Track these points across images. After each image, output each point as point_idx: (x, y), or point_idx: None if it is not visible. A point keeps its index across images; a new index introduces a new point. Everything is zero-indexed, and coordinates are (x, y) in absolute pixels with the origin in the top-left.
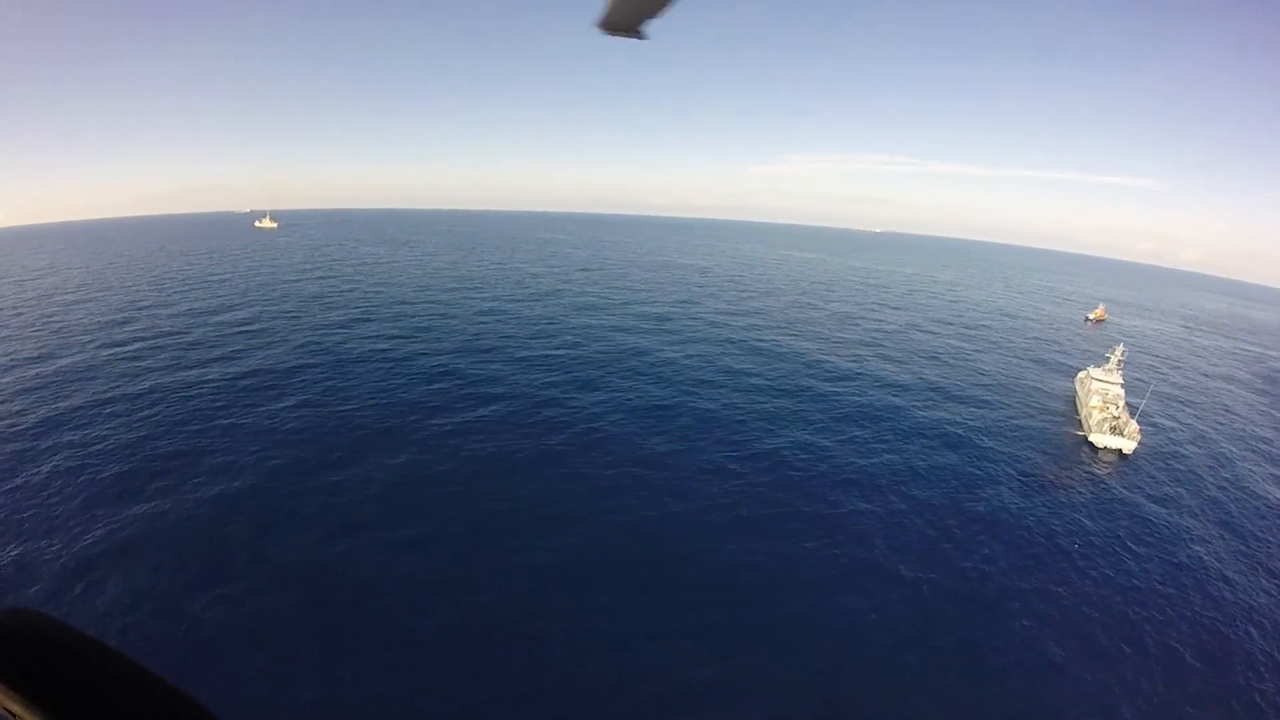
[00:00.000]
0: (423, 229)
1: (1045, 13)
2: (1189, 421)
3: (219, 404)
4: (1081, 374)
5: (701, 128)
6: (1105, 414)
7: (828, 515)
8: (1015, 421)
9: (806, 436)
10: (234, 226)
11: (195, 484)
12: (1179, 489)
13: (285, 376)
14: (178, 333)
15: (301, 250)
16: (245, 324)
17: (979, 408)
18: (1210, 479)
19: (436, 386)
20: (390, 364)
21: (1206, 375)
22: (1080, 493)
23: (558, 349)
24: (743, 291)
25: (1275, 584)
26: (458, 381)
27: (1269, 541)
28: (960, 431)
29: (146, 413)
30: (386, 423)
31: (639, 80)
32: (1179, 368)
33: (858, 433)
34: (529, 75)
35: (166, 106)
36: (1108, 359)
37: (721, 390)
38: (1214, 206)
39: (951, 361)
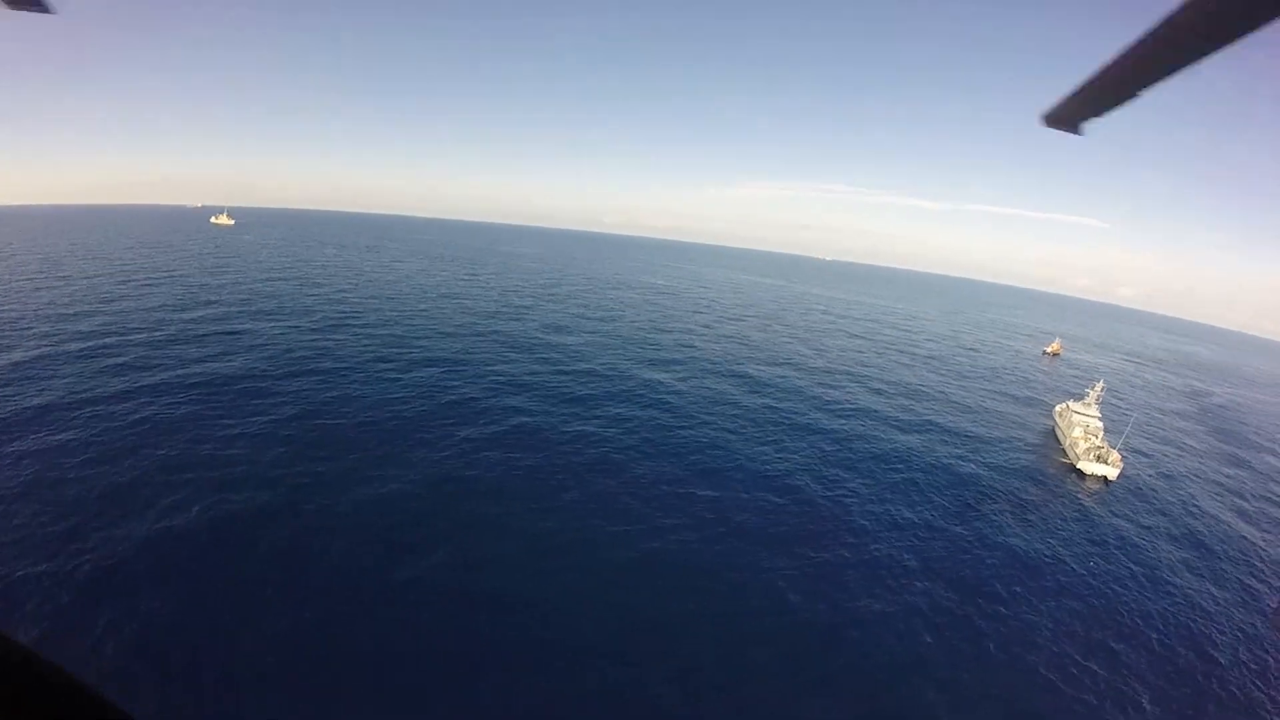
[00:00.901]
0: (385, 235)
1: (1000, 55)
2: (1155, 450)
3: (206, 408)
4: (1060, 407)
5: (664, 147)
6: (1089, 444)
7: (853, 556)
8: (1004, 453)
9: (814, 469)
10: (188, 221)
11: (188, 499)
12: (1158, 509)
13: (277, 381)
14: (149, 329)
15: (265, 249)
16: (221, 322)
17: (968, 440)
18: (1180, 500)
19: (447, 400)
20: (390, 371)
21: (1160, 410)
22: (1074, 515)
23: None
24: (734, 318)
25: (1234, 590)
26: (449, 398)
27: (1230, 553)
28: (958, 464)
29: (129, 417)
30: (388, 435)
31: (605, 97)
32: (1136, 403)
33: (859, 465)
34: (495, 90)
35: (105, 89)
36: (1087, 394)
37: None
38: (1151, 246)
39: (933, 395)
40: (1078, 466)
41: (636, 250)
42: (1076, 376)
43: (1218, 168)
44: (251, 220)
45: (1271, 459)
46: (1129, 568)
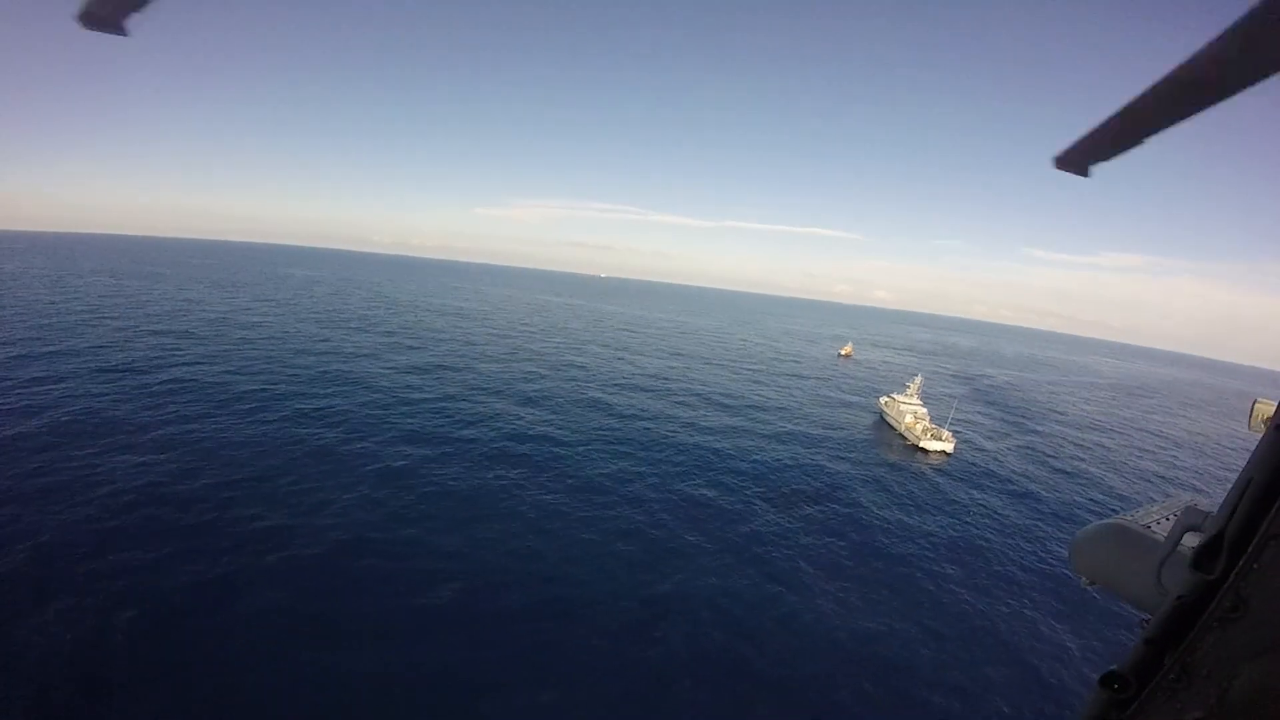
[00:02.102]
0: (151, 259)
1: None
2: (969, 425)
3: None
4: (884, 399)
5: (430, 166)
6: (923, 425)
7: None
8: (851, 443)
9: (668, 483)
10: None
11: None
12: (988, 469)
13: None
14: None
15: (32, 279)
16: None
17: (818, 439)
18: (1000, 460)
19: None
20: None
21: (955, 394)
22: (931, 478)
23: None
24: (546, 339)
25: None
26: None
27: (1042, 493)
28: (814, 458)
29: None
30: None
31: (363, 112)
32: (937, 392)
33: (731, 479)
34: (240, 97)
35: None
36: (908, 387)
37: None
38: (898, 254)
39: (771, 405)
40: (921, 445)
41: (420, 271)
42: (872, 373)
43: (948, 185)
44: (11, 246)
45: (1052, 424)
46: (981, 506)
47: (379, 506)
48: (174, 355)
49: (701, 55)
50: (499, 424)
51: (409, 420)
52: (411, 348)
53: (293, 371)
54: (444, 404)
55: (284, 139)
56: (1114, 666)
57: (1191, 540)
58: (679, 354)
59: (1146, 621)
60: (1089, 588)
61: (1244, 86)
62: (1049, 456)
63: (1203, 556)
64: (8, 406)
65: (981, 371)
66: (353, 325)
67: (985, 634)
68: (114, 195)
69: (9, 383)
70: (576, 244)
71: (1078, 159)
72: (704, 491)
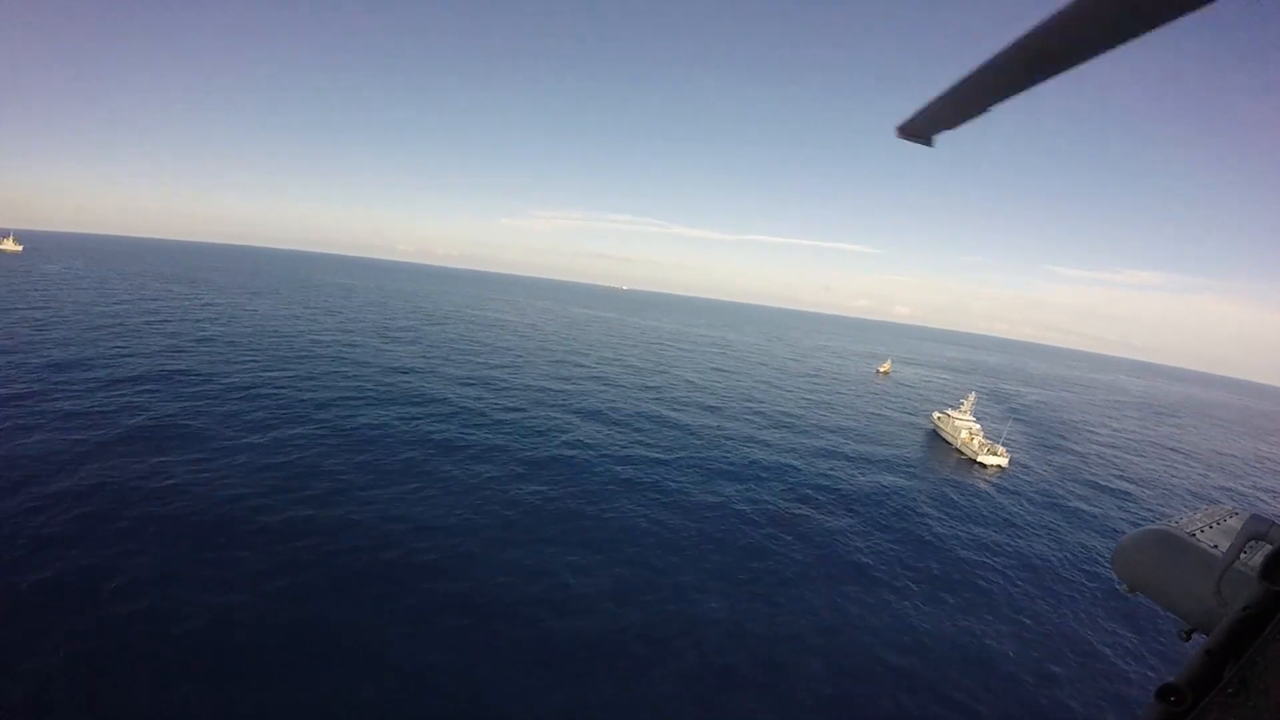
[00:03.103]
0: (193, 263)
1: (778, 98)
2: (1017, 441)
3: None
4: (936, 415)
5: (452, 176)
6: (979, 441)
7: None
8: (912, 459)
9: (763, 498)
10: None
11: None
12: (1043, 480)
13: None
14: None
15: (86, 284)
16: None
17: (877, 458)
18: (1052, 473)
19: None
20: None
21: (997, 413)
22: (990, 490)
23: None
24: (602, 357)
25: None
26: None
27: (1090, 503)
28: (881, 474)
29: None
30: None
31: (393, 121)
32: (982, 411)
33: (815, 493)
34: (283, 112)
35: None
36: (961, 404)
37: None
38: (918, 269)
39: (824, 425)
40: (978, 460)
41: (447, 280)
42: (912, 390)
43: (965, 201)
44: (45, 247)
45: (1089, 443)
46: (1039, 514)
47: (514, 529)
48: (247, 364)
49: (727, 70)
50: (589, 443)
51: (487, 436)
52: (475, 363)
53: (377, 387)
54: (523, 420)
55: (310, 146)
56: (1171, 679)
57: (1251, 550)
58: (729, 371)
59: (1187, 631)
60: (1130, 595)
61: (1084, 58)
62: (1094, 473)
63: (1272, 566)
64: (103, 409)
65: (1014, 389)
66: (401, 337)
67: (1065, 636)
68: (142, 199)
69: (97, 384)
70: (597, 255)
71: (922, 128)
72: (799, 508)
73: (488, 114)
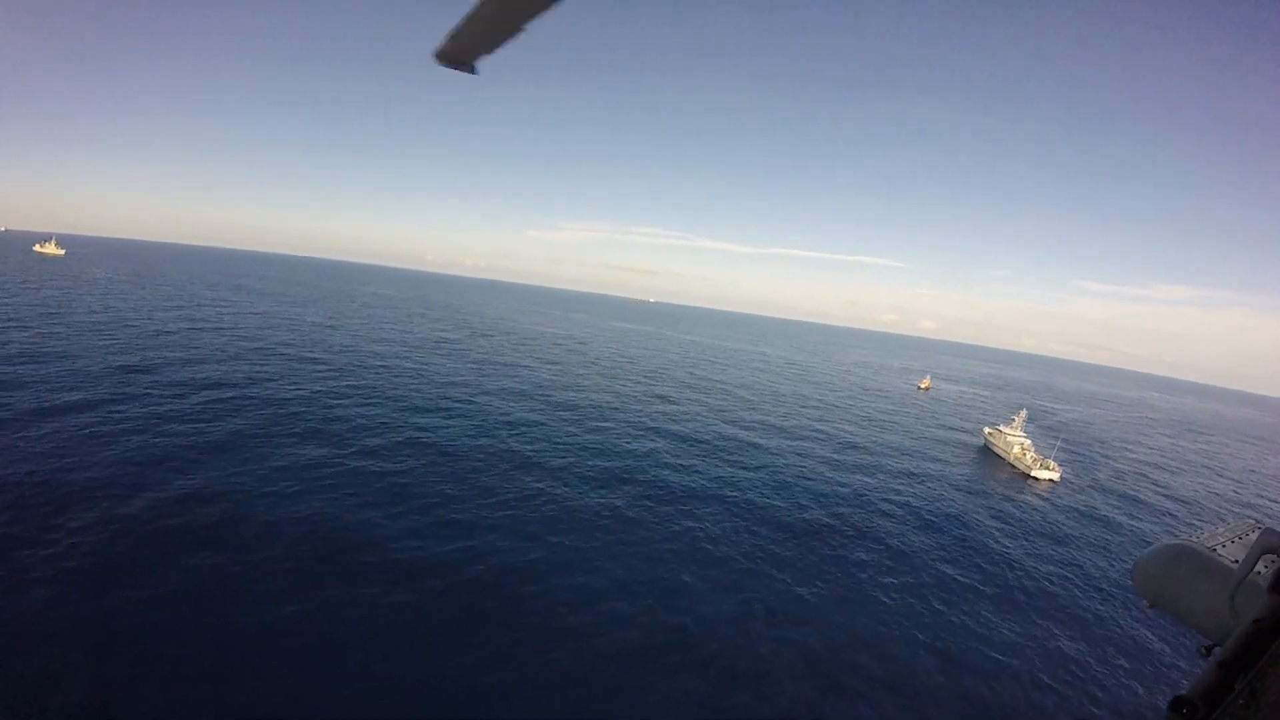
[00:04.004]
0: (237, 271)
1: (807, 113)
2: (1062, 458)
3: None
4: (988, 430)
5: (484, 187)
6: (1032, 456)
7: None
8: (965, 474)
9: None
10: (3, 248)
11: None
12: (1093, 493)
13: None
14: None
15: (133, 287)
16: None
17: (935, 469)
18: (1099, 487)
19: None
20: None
21: (1038, 430)
22: (1043, 503)
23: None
24: (651, 373)
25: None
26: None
27: (1141, 520)
28: (942, 489)
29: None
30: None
31: (422, 132)
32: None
33: (890, 507)
34: (316, 119)
35: None
36: (1013, 420)
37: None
38: (943, 283)
39: (882, 437)
40: (1031, 474)
41: (480, 291)
42: (954, 406)
43: (991, 214)
44: (86, 251)
45: (1126, 459)
46: (1089, 523)
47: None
48: (325, 373)
49: (756, 82)
50: (674, 464)
51: (559, 456)
52: (537, 379)
53: (455, 403)
54: (604, 440)
55: (338, 157)
56: (1184, 691)
57: (1265, 564)
58: (781, 387)
59: (1207, 647)
60: (1150, 610)
61: None
62: (1136, 488)
63: None
64: (193, 414)
65: (1049, 406)
66: (451, 351)
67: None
68: (170, 206)
69: (180, 389)
70: (622, 268)
71: (462, 52)
72: (883, 522)
73: (516, 126)
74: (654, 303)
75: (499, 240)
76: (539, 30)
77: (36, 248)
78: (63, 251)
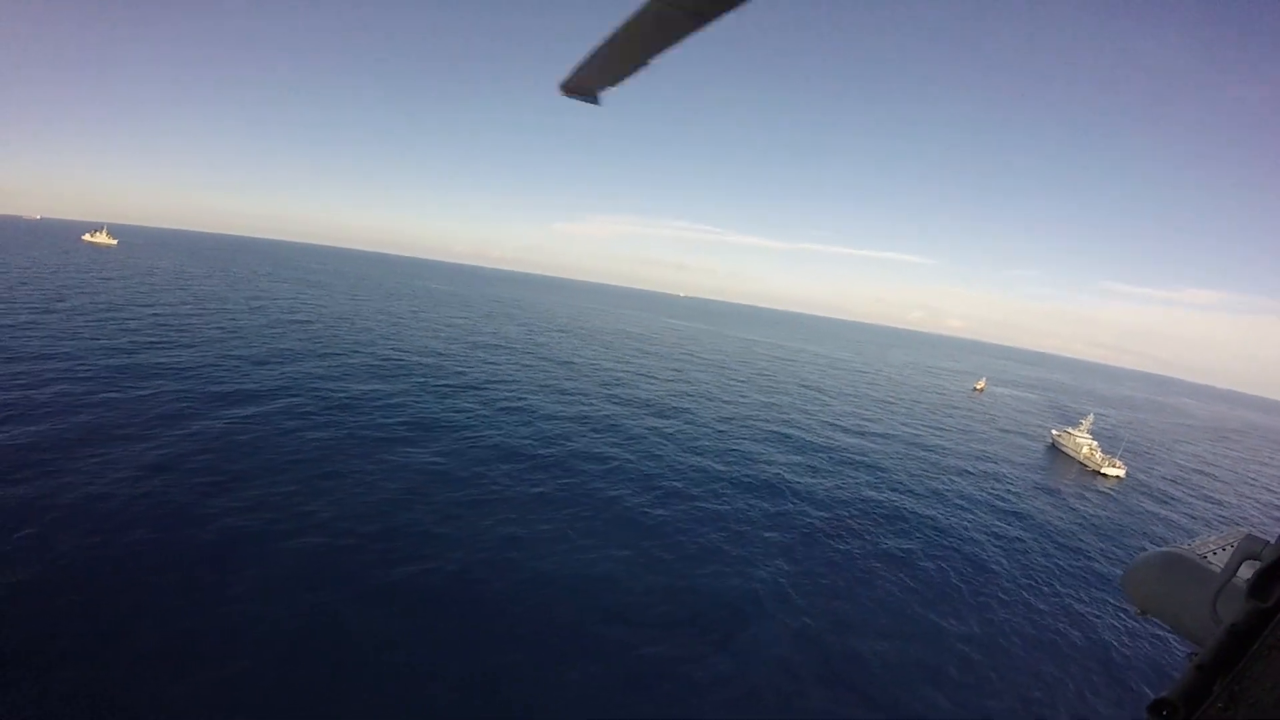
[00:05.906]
0: (284, 262)
1: (836, 108)
2: (1124, 456)
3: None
4: (1056, 432)
5: (512, 181)
6: (1100, 454)
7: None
8: (1039, 474)
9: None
10: (48, 237)
11: None
12: (1155, 485)
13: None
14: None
15: (194, 278)
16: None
17: (1007, 470)
18: (1158, 482)
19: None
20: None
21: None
22: (1115, 494)
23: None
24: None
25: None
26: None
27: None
28: (1018, 487)
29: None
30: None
31: (458, 128)
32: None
33: (968, 504)
34: (367, 118)
35: None
36: (1080, 422)
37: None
38: (972, 281)
39: (952, 439)
40: (1101, 471)
41: (518, 285)
42: (1010, 408)
43: (1019, 213)
44: (136, 240)
45: (1179, 460)
46: (1157, 510)
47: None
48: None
49: (785, 77)
50: (796, 480)
51: (661, 474)
52: (628, 385)
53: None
54: (713, 454)
55: (372, 150)
56: (1164, 693)
57: (1249, 569)
58: (860, 391)
59: (1196, 653)
60: (1141, 617)
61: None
62: (1198, 483)
63: (1259, 584)
64: (308, 408)
65: (1094, 409)
66: (534, 355)
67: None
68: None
69: (282, 383)
70: (651, 262)
71: (586, 84)
72: (971, 521)
73: (546, 116)
74: (686, 298)
75: (526, 234)
76: (564, 19)
77: (86, 237)
78: (114, 241)
